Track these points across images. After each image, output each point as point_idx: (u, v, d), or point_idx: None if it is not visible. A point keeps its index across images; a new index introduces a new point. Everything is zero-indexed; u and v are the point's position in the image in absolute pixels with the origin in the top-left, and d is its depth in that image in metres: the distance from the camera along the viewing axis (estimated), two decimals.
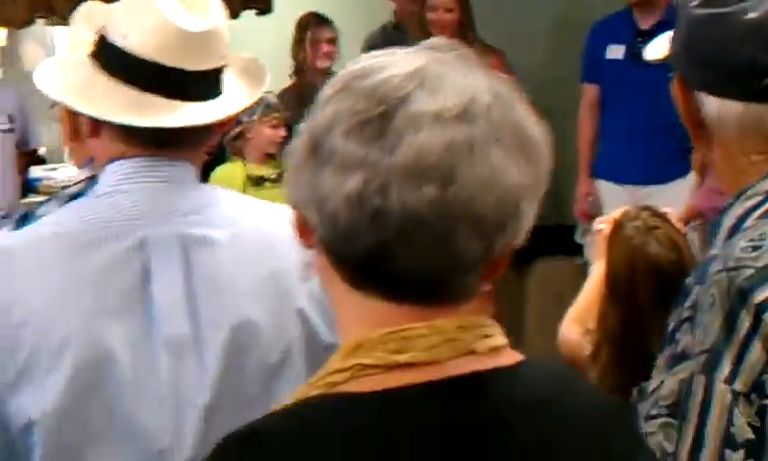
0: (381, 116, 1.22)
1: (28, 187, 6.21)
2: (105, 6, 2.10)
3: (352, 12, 6.47)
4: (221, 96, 1.90)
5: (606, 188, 5.93)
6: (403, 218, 1.21)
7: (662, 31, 6.22)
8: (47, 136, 6.31)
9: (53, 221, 1.86)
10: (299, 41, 5.89)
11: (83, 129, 1.92)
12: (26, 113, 5.89)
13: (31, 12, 6.19)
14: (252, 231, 1.88)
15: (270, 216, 1.91)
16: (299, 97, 5.61)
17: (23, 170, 6.17)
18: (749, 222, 1.73)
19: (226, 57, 1.91)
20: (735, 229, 1.73)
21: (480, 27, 5.96)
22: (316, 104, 1.28)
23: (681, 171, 5.73)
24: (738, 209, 1.75)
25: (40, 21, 6.39)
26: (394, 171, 1.21)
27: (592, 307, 3.03)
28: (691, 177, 5.72)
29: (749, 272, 1.61)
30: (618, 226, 3.00)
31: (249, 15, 6.82)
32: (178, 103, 1.85)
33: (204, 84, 1.88)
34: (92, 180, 2.37)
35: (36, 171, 6.36)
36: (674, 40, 1.75)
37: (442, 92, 1.24)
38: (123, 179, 1.86)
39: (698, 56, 1.71)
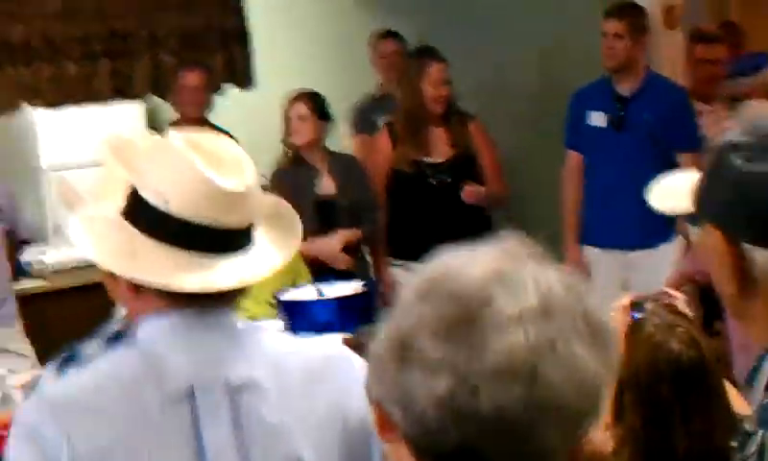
0: (466, 319, 1.26)
1: (19, 271, 6.21)
2: (130, 142, 2.16)
3: (336, 84, 6.50)
4: (254, 247, 1.98)
5: (593, 254, 5.94)
6: (492, 418, 1.24)
7: (642, 97, 6.31)
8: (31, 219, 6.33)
9: (103, 368, 1.91)
10: (286, 120, 5.93)
11: (123, 286, 1.96)
12: (14, 203, 5.90)
13: (16, 96, 6.23)
14: (297, 371, 1.95)
15: (313, 351, 2.00)
16: (293, 176, 5.65)
17: (13, 254, 6.18)
18: None
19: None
20: None
21: (460, 93, 6.01)
22: (399, 304, 1.32)
23: (666, 235, 5.76)
24: None
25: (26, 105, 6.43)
26: (483, 373, 1.24)
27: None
28: (677, 241, 5.74)
29: None
30: (637, 325, 2.99)
31: (230, 90, 6.88)
32: (220, 260, 1.92)
33: (241, 239, 1.96)
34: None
35: (26, 254, 6.37)
36: (711, 194, 1.73)
37: (522, 291, 1.28)
38: (168, 330, 1.92)
39: (752, 210, 1.69)
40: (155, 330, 1.92)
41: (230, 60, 6.73)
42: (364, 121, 6.68)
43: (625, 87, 5.85)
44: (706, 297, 5.87)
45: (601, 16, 5.85)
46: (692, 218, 1.76)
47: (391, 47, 6.86)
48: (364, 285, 4.83)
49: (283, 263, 2.01)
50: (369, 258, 6.06)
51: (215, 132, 6.56)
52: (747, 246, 1.67)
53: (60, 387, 1.93)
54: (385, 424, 1.33)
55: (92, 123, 6.85)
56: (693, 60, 6.29)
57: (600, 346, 1.29)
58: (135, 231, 1.93)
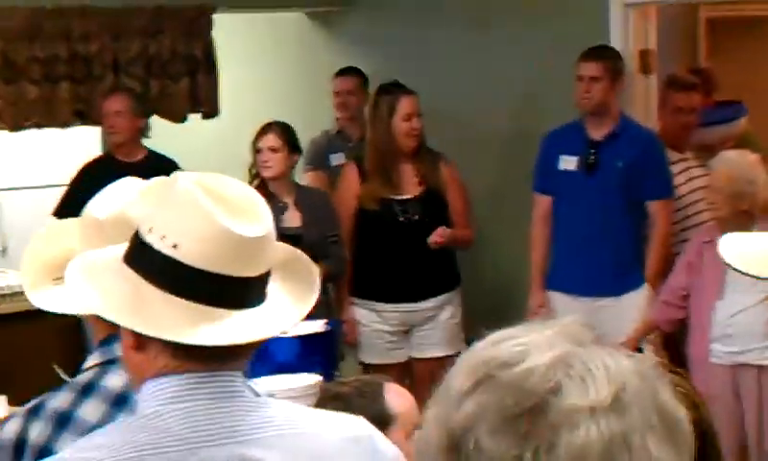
0: (532, 412, 1.12)
1: None
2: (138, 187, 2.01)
3: (299, 117, 6.40)
4: (268, 300, 1.82)
5: (559, 300, 5.85)
6: None
7: (615, 142, 6.30)
8: None
9: (102, 445, 1.74)
10: (256, 151, 5.82)
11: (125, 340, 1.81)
12: None
13: None
14: (313, 449, 1.79)
15: (328, 428, 1.84)
16: None
17: None
18: None
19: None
20: None
21: (430, 134, 5.92)
22: (447, 391, 1.16)
23: (634, 283, 5.70)
24: None
25: None
26: None
27: None
28: (644, 289, 5.67)
29: None
30: None
31: (194, 118, 6.76)
32: (233, 313, 1.77)
33: (256, 290, 1.81)
34: (104, 366, 2.25)
35: None
36: None
37: (591, 382, 1.14)
38: (173, 397, 1.76)
39: None
40: (158, 397, 1.76)
41: (195, 87, 6.59)
42: (317, 157, 6.60)
43: (597, 132, 5.78)
44: (669, 344, 5.86)
45: (571, 62, 5.78)
46: None
47: (346, 85, 6.76)
48: (326, 324, 4.69)
49: (301, 318, 1.86)
50: (332, 296, 5.94)
51: (153, 159, 6.45)
52: None
53: None
54: None
55: (48, 146, 6.75)
56: (668, 108, 6.23)
57: (674, 442, 1.16)
58: (141, 279, 1.77)
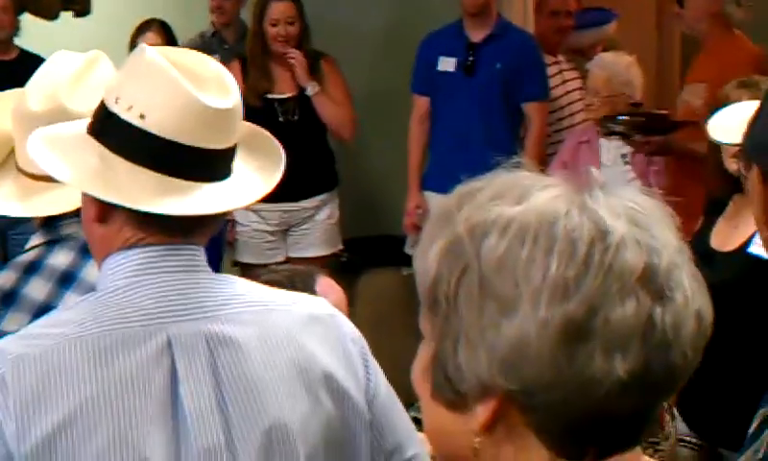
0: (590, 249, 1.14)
1: None
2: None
3: (173, 18, 6.30)
4: (235, 174, 1.82)
5: (436, 200, 5.92)
6: None
7: (493, 44, 6.33)
8: None
9: (66, 322, 1.71)
10: (130, 48, 5.72)
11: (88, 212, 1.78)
12: None
13: None
14: (279, 327, 1.79)
15: (295, 307, 1.84)
16: None
17: None
18: None
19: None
20: None
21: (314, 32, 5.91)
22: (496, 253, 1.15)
23: None
24: None
25: None
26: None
27: None
28: None
29: None
30: None
31: (66, 16, 6.61)
32: (204, 185, 1.76)
33: (223, 163, 1.80)
34: (49, 245, 2.20)
35: None
36: (756, 131, 1.67)
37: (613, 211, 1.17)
38: (138, 270, 1.74)
39: None
40: (122, 271, 1.75)
41: None
42: None
43: (476, 34, 5.83)
44: None
45: None
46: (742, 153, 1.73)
47: None
48: None
49: (268, 192, 1.86)
50: None
51: (27, 58, 6.27)
52: None
53: (19, 343, 1.71)
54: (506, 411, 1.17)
55: None
56: (545, 11, 6.32)
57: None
58: (107, 151, 1.75)
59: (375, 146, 6.54)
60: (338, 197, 6.00)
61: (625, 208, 1.17)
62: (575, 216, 1.14)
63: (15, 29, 6.08)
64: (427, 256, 1.19)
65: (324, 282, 2.73)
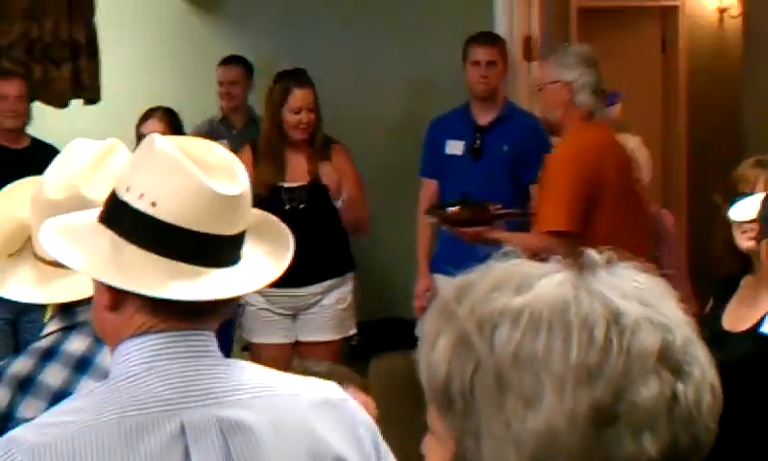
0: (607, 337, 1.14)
1: None
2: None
3: (182, 105, 6.37)
4: (245, 259, 1.84)
5: (445, 283, 5.92)
6: None
7: (500, 127, 6.35)
8: None
9: (82, 409, 1.73)
10: (138, 137, 5.77)
11: (102, 299, 1.80)
12: None
13: None
14: (291, 412, 1.80)
15: (307, 392, 1.85)
16: None
17: None
18: None
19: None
20: None
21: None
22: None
23: None
24: None
25: None
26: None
27: None
28: None
29: None
30: None
31: (76, 104, 6.67)
32: (214, 271, 1.78)
33: (233, 249, 1.82)
34: (65, 331, 2.22)
35: None
36: None
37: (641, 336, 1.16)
38: (151, 357, 1.75)
39: None
40: (135, 358, 1.76)
41: (78, 72, 6.50)
42: None
43: (483, 117, 5.87)
44: None
45: (458, 47, 5.86)
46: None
47: (230, 74, 6.76)
48: None
49: (278, 276, 1.87)
50: None
51: (38, 146, 6.27)
52: None
53: (36, 431, 1.71)
54: None
55: None
56: None
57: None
58: (119, 239, 1.77)
59: (386, 229, 6.56)
60: (351, 281, 5.99)
61: (631, 288, 1.16)
62: (585, 301, 1.14)
63: (27, 118, 6.12)
64: (433, 354, 1.17)
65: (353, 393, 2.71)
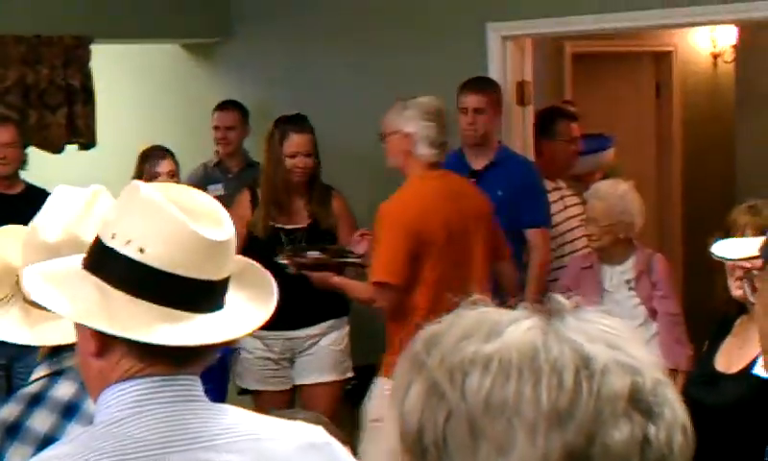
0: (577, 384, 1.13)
1: None
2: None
3: (176, 147, 6.39)
4: (226, 306, 1.84)
5: None
6: None
7: (494, 171, 6.36)
8: None
9: (64, 455, 1.73)
10: (138, 175, 5.78)
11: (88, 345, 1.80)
12: None
13: None
14: (276, 456, 1.80)
15: (292, 436, 1.85)
16: None
17: None
18: None
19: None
20: None
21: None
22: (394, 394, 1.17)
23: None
24: None
25: None
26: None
27: None
28: None
29: None
30: None
31: (71, 150, 6.69)
32: (199, 316, 1.78)
33: (219, 294, 1.83)
34: (52, 377, 2.23)
35: None
36: None
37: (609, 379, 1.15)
38: (137, 401, 1.76)
39: None
40: (121, 402, 1.76)
41: (73, 117, 6.52)
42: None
43: (477, 161, 5.90)
44: None
45: (452, 92, 5.89)
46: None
47: (226, 120, 6.80)
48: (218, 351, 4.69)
49: (264, 322, 1.88)
50: None
51: (32, 191, 6.27)
52: None
53: None
54: None
55: None
56: (562, 137, 6.40)
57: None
58: (105, 285, 1.77)
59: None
60: (347, 324, 6.00)
61: (599, 332, 1.16)
62: (554, 346, 1.13)
63: (22, 163, 6.14)
64: (405, 405, 1.16)
65: None
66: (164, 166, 5.81)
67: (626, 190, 5.46)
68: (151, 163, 5.90)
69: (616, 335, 1.17)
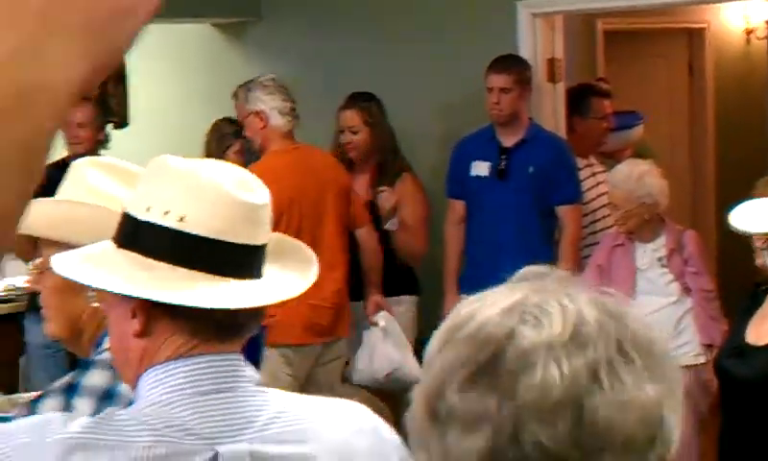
0: (490, 361, 1.14)
1: None
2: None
3: (207, 128, 6.42)
4: (268, 272, 1.81)
5: None
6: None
7: (525, 148, 6.38)
8: None
9: (112, 441, 1.67)
10: (208, 152, 5.92)
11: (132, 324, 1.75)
12: None
13: None
14: (326, 442, 1.77)
15: (341, 419, 1.83)
16: None
17: None
18: None
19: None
20: None
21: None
22: (424, 359, 1.20)
23: None
24: None
25: None
26: (519, 416, 1.12)
27: None
28: None
29: None
30: None
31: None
32: (247, 282, 1.75)
33: (261, 260, 1.80)
34: (81, 369, 2.22)
35: None
36: None
37: (546, 321, 1.15)
38: (186, 382, 1.72)
39: None
40: (167, 385, 1.72)
41: (105, 97, 6.54)
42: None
43: (508, 139, 5.88)
44: None
45: (482, 70, 5.88)
46: None
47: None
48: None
49: (307, 287, 1.85)
50: None
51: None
52: None
53: (77, 427, 1.67)
54: None
55: None
56: (596, 114, 6.42)
57: (654, 368, 1.17)
58: (144, 258, 1.73)
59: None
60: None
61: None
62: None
63: (101, 143, 6.06)
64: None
65: None
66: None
67: (644, 171, 5.38)
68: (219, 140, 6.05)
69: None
